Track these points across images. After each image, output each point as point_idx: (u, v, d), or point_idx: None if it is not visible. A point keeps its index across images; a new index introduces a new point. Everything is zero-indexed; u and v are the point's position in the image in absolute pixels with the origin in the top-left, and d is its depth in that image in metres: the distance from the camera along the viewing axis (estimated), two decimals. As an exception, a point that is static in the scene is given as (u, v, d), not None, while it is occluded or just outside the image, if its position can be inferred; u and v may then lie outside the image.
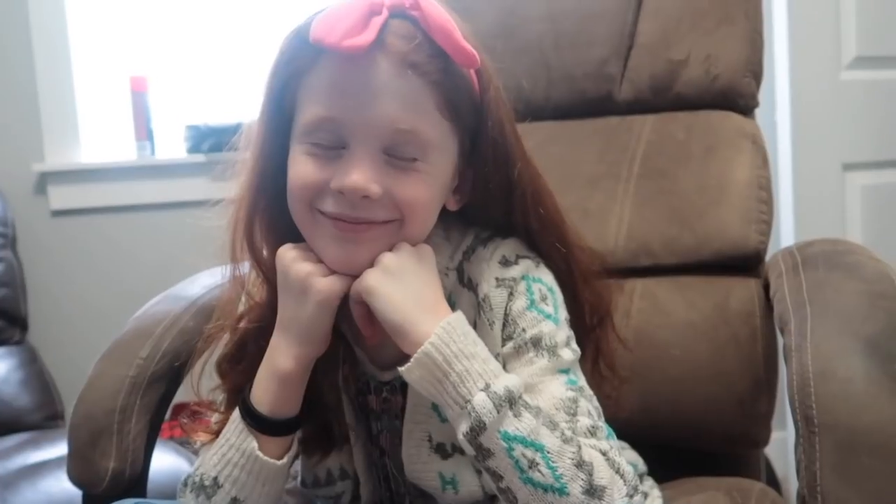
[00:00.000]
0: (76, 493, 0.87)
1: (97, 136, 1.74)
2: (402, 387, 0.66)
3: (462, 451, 0.61)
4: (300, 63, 0.59)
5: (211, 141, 1.63)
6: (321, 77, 0.58)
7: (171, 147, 1.72)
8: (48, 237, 1.67)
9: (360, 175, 0.57)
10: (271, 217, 0.64)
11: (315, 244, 0.61)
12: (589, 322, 0.71)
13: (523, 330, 0.62)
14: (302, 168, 0.60)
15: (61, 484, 1.14)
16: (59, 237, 1.68)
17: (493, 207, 0.65)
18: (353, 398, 0.69)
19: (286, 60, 0.60)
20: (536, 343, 0.61)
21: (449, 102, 0.59)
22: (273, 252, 0.64)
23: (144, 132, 1.68)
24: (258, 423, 0.62)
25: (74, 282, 1.68)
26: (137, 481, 0.76)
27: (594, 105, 1.07)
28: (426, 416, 0.65)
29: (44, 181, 1.68)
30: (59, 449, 1.24)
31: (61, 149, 1.68)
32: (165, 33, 1.75)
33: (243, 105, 1.65)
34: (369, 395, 0.69)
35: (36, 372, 1.49)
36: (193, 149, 1.65)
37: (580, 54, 1.05)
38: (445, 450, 0.65)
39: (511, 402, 0.55)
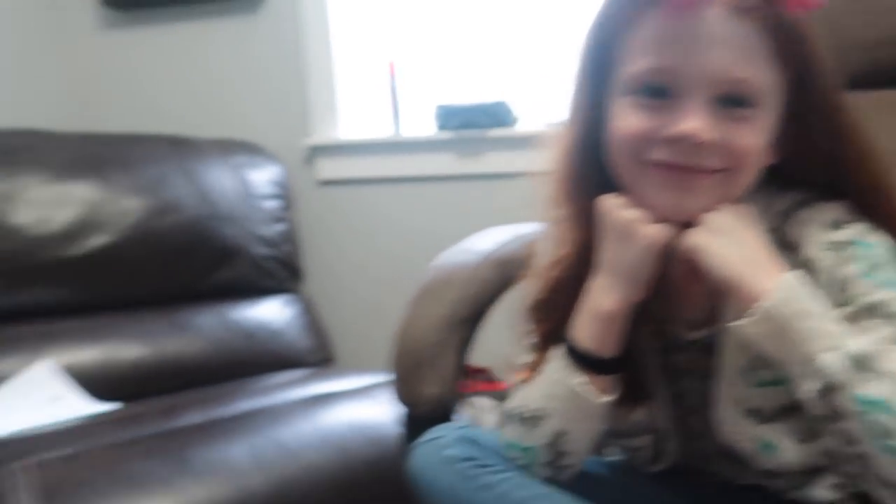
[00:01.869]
0: (343, 424, 0.94)
1: (355, 114, 1.92)
2: (709, 347, 0.66)
3: (781, 419, 0.61)
4: (624, 17, 0.60)
5: (459, 119, 1.74)
6: (649, 29, 0.59)
7: (422, 124, 1.86)
8: (317, 203, 1.87)
9: (696, 122, 0.58)
10: (588, 171, 0.66)
11: (643, 193, 0.62)
12: None
13: (858, 296, 0.59)
14: (630, 119, 0.61)
15: (333, 416, 1.28)
16: (326, 204, 1.87)
17: (814, 162, 0.63)
18: (658, 355, 0.70)
19: (608, 16, 0.62)
20: (872, 311, 0.58)
21: (780, 49, 0.58)
22: (585, 205, 0.66)
23: (396, 111, 1.83)
24: (582, 361, 0.65)
25: (339, 243, 1.87)
26: (450, 411, 0.86)
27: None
28: (738, 378, 0.64)
29: (312, 154, 1.89)
30: (331, 385, 1.39)
31: (323, 125, 1.88)
32: (418, 19, 1.88)
33: (487, 86, 1.75)
34: (676, 354, 0.69)
35: (312, 320, 1.70)
36: (443, 126, 1.77)
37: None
38: (760, 415, 0.64)
39: (863, 364, 0.54)
